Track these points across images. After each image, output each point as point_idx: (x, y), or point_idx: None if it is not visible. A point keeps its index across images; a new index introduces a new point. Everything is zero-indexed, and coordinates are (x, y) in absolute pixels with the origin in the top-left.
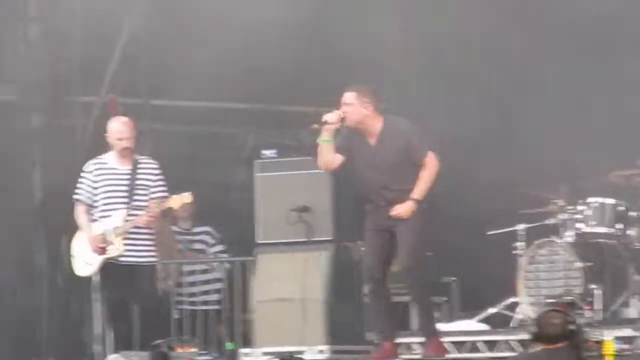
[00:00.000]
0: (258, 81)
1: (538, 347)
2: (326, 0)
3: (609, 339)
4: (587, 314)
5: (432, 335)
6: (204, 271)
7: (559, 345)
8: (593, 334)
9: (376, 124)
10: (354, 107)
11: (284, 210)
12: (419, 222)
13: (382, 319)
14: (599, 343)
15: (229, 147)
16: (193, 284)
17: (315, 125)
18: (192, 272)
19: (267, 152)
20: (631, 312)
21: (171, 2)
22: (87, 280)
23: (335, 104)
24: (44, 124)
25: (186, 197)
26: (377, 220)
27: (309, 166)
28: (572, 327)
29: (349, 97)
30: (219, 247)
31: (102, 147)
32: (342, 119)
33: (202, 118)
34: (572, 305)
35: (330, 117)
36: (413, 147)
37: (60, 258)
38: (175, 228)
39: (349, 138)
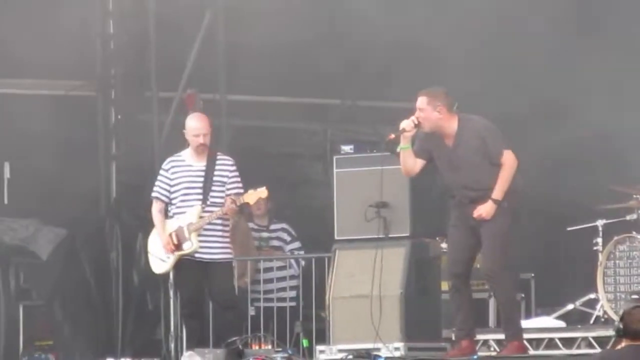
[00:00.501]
0: (335, 76)
1: (623, 344)
2: None
3: None
4: None
5: (513, 338)
6: (281, 268)
7: None
8: None
9: (452, 125)
10: (426, 111)
11: (362, 206)
12: (501, 223)
13: (461, 315)
14: None
15: (307, 143)
16: (269, 281)
17: (392, 135)
18: (269, 269)
19: (345, 148)
20: None
21: None
22: (163, 277)
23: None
24: (123, 119)
25: (262, 192)
26: (460, 217)
27: (387, 162)
28: None
29: (421, 102)
30: (296, 244)
31: (180, 143)
32: (417, 125)
33: (280, 113)
34: None
35: (406, 124)
36: (489, 146)
37: (136, 255)
38: (251, 225)
39: (427, 140)
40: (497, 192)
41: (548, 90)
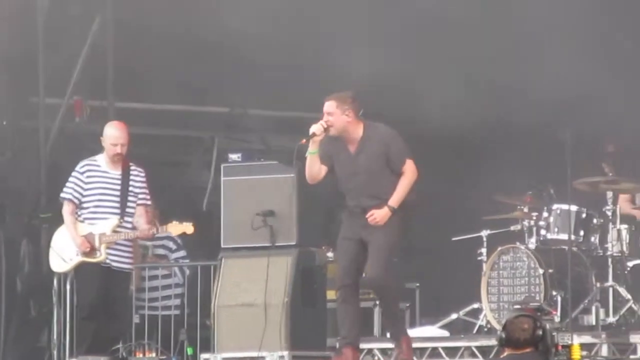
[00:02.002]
0: (224, 84)
1: (505, 353)
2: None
3: (577, 343)
4: (555, 318)
5: (402, 338)
6: (166, 276)
7: (527, 350)
8: (561, 339)
9: (358, 131)
10: (335, 115)
11: (249, 214)
12: (391, 235)
13: (347, 324)
14: (568, 347)
15: (195, 151)
16: (154, 289)
17: (304, 140)
18: (154, 277)
19: (233, 156)
20: (592, 319)
21: (137, 2)
22: (47, 284)
23: (300, 108)
24: (8, 125)
25: (187, 227)
26: (352, 228)
27: (275, 170)
28: (540, 332)
29: (329, 106)
30: (181, 253)
31: (66, 149)
32: (326, 129)
33: (167, 121)
34: (539, 310)
35: (315, 128)
36: (392, 153)
37: (20, 261)
38: (162, 233)
39: (330, 145)
40: (394, 199)
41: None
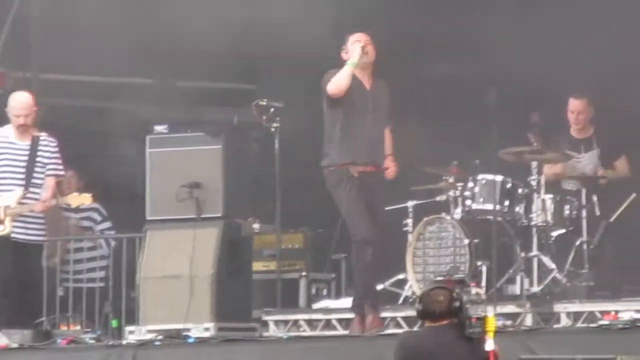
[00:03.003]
0: (151, 55)
1: (424, 324)
2: None
3: (491, 315)
4: (474, 290)
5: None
6: (91, 248)
7: (444, 322)
8: (476, 311)
9: (372, 72)
10: (370, 45)
11: (174, 186)
12: None
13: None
14: (482, 319)
15: (119, 122)
16: (79, 261)
17: (363, 39)
18: (79, 250)
19: (159, 127)
20: (516, 289)
21: None
22: None
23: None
24: None
25: (86, 199)
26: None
27: (201, 142)
28: (456, 304)
29: (366, 39)
30: (106, 224)
31: None
32: (365, 50)
33: (92, 92)
34: (460, 282)
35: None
36: (389, 108)
37: None
38: (62, 204)
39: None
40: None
41: None
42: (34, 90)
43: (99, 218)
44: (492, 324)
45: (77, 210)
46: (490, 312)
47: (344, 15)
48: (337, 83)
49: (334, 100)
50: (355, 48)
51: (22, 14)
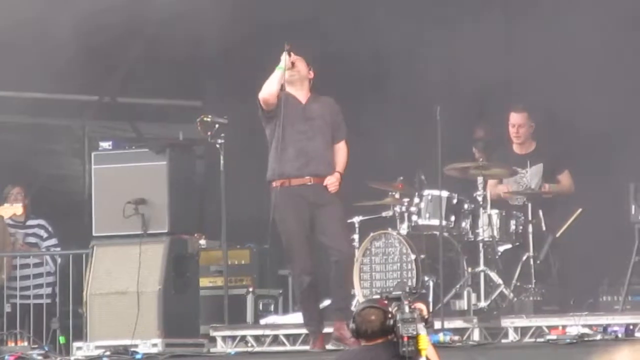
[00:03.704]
0: (93, 72)
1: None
2: None
3: (423, 333)
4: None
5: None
6: (37, 265)
7: (378, 341)
8: (407, 330)
9: (308, 90)
10: (303, 63)
11: (120, 202)
12: (341, 202)
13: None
14: (414, 338)
15: (65, 139)
16: (26, 277)
17: (288, 46)
18: (25, 266)
19: (104, 144)
20: (463, 304)
21: None
22: None
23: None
24: None
25: (17, 209)
26: (296, 211)
27: (146, 158)
28: (390, 322)
29: (298, 58)
30: (52, 241)
31: None
32: (293, 64)
33: (37, 109)
34: (395, 300)
35: (286, 58)
36: (339, 121)
37: None
38: (8, 221)
39: (282, 95)
40: (342, 167)
41: None
42: None
43: (45, 234)
44: (424, 342)
45: (23, 226)
46: (422, 330)
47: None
48: (267, 87)
49: (268, 115)
50: (283, 55)
51: None
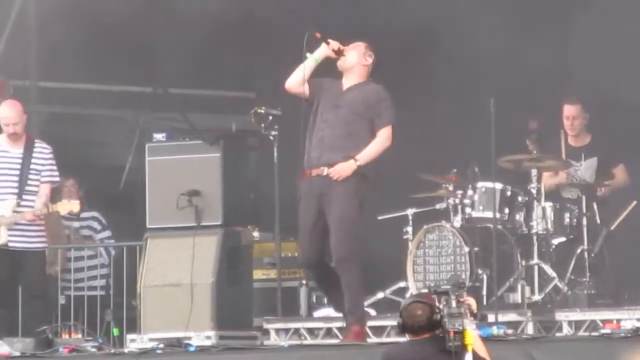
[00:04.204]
0: (148, 63)
1: (407, 338)
2: None
3: (470, 328)
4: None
5: (357, 322)
6: (91, 257)
7: (425, 336)
8: (453, 324)
9: (359, 78)
10: (359, 51)
11: (174, 194)
12: (350, 206)
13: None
14: (461, 333)
15: (119, 131)
16: (80, 269)
17: (319, 35)
18: (79, 258)
19: (158, 136)
20: (517, 297)
21: None
22: None
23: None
24: None
25: (74, 205)
26: (308, 200)
27: (200, 150)
28: (437, 317)
29: (357, 45)
30: (106, 233)
31: None
32: (340, 52)
33: (91, 100)
34: (443, 294)
35: (334, 43)
36: (381, 109)
37: None
38: (53, 212)
39: (326, 83)
40: (362, 156)
41: None
42: (32, 98)
43: (98, 227)
44: (470, 337)
45: (77, 219)
46: (469, 325)
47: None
48: (292, 76)
49: (307, 104)
50: (322, 45)
51: (21, 22)
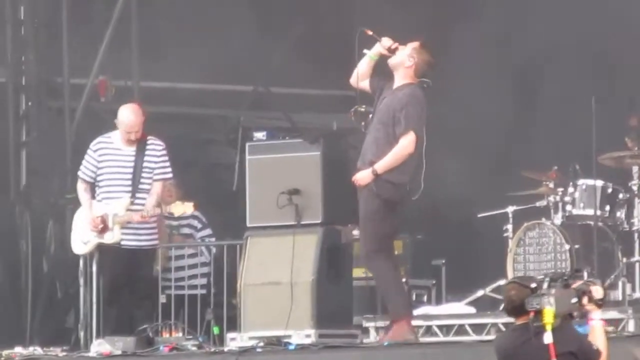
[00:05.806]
0: (249, 62)
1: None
2: None
3: (549, 307)
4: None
5: (396, 317)
6: (192, 255)
7: (525, 320)
8: (532, 304)
9: (403, 79)
10: (405, 51)
11: (274, 193)
12: (371, 208)
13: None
14: (539, 312)
15: (219, 129)
16: (180, 268)
17: (370, 32)
18: (180, 257)
19: (258, 135)
20: (618, 295)
21: None
22: (73, 265)
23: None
24: (34, 105)
25: (188, 207)
26: None
27: (300, 148)
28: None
29: (411, 44)
30: (207, 231)
31: (90, 129)
32: (392, 50)
33: (193, 100)
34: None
35: (387, 40)
36: (400, 117)
37: (47, 243)
38: (165, 213)
39: (384, 82)
40: (379, 164)
41: None
42: (135, 98)
43: (199, 225)
44: (549, 316)
45: (178, 217)
46: (548, 304)
47: None
48: (355, 75)
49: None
50: (385, 39)
51: (122, 25)
